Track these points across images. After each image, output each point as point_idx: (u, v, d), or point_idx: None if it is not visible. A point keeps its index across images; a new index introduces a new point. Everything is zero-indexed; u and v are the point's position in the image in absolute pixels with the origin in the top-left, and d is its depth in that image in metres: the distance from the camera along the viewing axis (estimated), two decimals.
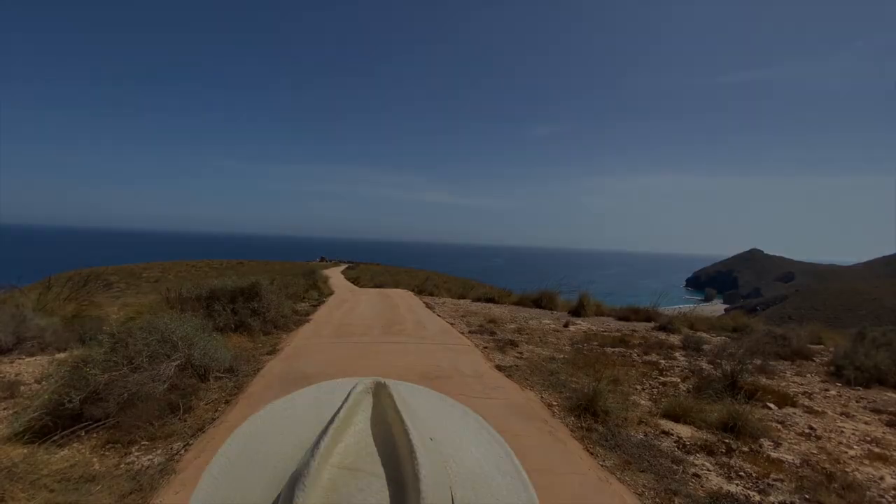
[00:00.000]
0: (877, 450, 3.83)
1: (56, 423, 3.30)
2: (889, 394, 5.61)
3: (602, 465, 3.23)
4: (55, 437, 3.15)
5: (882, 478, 3.33)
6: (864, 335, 6.54)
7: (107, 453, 3.14)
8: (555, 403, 4.54)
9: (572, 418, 4.13)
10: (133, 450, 3.21)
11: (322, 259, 60.36)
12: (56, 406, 3.40)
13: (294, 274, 20.13)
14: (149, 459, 3.06)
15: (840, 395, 5.40)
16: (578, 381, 5.21)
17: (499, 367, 5.81)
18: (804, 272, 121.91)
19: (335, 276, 25.37)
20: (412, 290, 16.95)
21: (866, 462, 3.59)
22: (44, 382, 3.99)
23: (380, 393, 0.44)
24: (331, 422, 0.39)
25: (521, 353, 6.84)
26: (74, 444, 3.20)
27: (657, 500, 2.82)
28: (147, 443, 3.32)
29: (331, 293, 14.74)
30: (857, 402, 5.20)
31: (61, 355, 5.20)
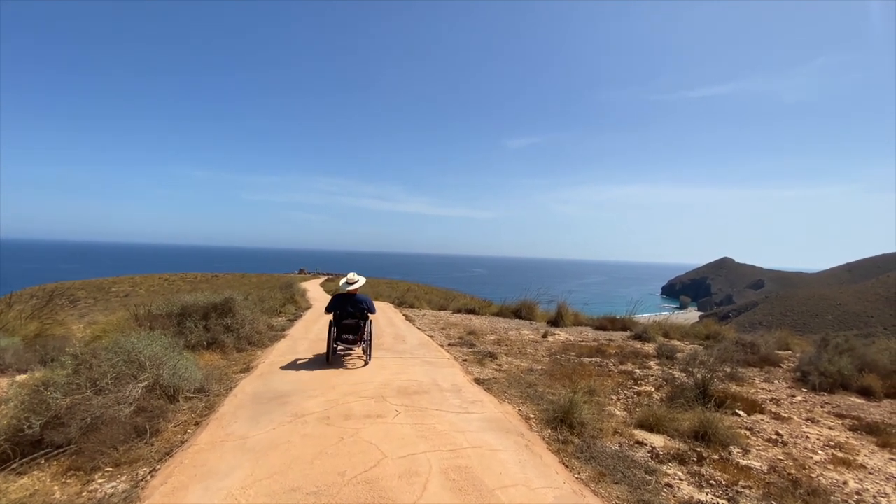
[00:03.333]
0: (840, 454, 3.97)
1: (15, 449, 3.15)
2: (852, 398, 5.84)
3: (577, 478, 3.26)
4: (14, 465, 3.00)
5: (846, 482, 3.45)
6: (828, 342, 6.79)
7: (68, 481, 3.01)
8: (532, 416, 4.57)
9: (549, 431, 4.16)
10: (96, 477, 3.08)
11: (301, 271, 59.49)
12: (15, 432, 3.25)
13: (271, 287, 19.76)
14: (112, 487, 2.94)
15: (806, 401, 5.59)
16: (556, 393, 5.25)
17: (477, 381, 5.81)
18: (773, 279, 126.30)
19: (314, 288, 24.99)
20: (392, 303, 16.85)
21: (830, 467, 3.72)
22: (2, 407, 3.81)
23: (351, 275, 6.75)
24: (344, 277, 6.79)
25: (499, 365, 6.87)
26: (34, 472, 3.06)
27: None
28: (111, 469, 3.19)
29: (309, 307, 14.52)
30: (821, 407, 5.39)
31: (22, 377, 4.97)
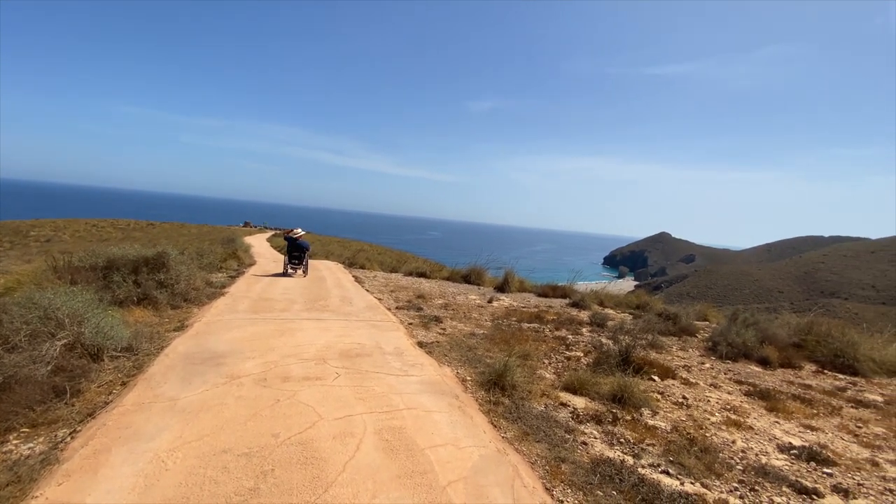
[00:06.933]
0: (734, 417, 4.50)
1: None
2: (752, 367, 6.57)
3: (503, 437, 3.50)
4: None
5: (734, 441, 3.94)
6: (737, 315, 7.53)
7: None
8: (468, 378, 4.79)
9: (482, 393, 4.40)
10: (11, 438, 2.94)
11: (246, 224, 57.01)
12: None
13: (212, 240, 18.83)
14: (29, 448, 2.83)
15: (712, 368, 6.23)
16: (493, 357, 5.52)
17: (420, 344, 5.97)
18: (703, 255, 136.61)
19: (259, 243, 24.09)
20: (343, 263, 16.63)
21: (724, 427, 4.22)
22: None
23: (298, 230, 11.95)
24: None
25: (444, 329, 7.07)
26: None
27: (547, 468, 3.13)
28: (27, 430, 3.05)
29: (252, 263, 14.05)
30: (725, 374, 6.04)
31: None
